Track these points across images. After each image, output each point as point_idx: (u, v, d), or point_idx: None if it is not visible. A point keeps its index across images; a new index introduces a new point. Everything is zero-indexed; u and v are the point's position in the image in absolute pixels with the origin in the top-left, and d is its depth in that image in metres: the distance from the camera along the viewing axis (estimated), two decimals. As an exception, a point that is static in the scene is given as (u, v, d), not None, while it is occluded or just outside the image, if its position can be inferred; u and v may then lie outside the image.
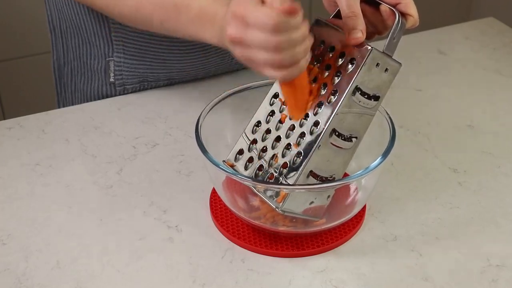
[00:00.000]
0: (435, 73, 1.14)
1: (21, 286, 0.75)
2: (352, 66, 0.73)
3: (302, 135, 0.75)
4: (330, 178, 0.76)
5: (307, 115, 0.75)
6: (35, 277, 0.76)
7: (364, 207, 0.83)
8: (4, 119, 1.11)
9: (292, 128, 0.76)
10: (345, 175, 0.81)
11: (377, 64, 0.73)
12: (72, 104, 1.13)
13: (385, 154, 0.76)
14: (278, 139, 0.77)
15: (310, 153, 0.73)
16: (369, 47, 0.73)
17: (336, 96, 0.73)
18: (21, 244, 0.81)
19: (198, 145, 0.77)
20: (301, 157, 0.74)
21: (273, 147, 0.77)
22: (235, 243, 0.80)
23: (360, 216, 0.83)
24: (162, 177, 0.90)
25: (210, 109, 0.83)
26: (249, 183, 0.76)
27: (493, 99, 1.07)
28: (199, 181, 0.90)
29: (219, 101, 0.84)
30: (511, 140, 0.98)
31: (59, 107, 1.17)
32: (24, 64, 1.82)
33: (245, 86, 0.86)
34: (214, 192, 0.87)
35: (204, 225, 0.83)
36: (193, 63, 1.05)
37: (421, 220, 0.84)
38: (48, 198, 0.87)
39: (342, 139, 0.75)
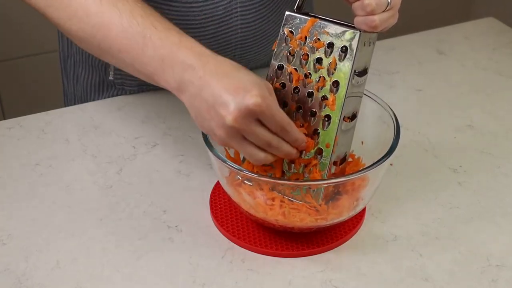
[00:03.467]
0: (435, 73, 1.14)
1: (21, 286, 0.75)
2: (346, 54, 0.74)
3: (315, 131, 0.77)
4: (343, 157, 0.79)
5: (314, 114, 0.76)
6: (35, 277, 0.76)
7: (364, 207, 0.83)
8: (4, 119, 1.11)
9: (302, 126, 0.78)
10: (352, 170, 0.81)
11: (365, 43, 0.75)
12: (75, 95, 1.14)
13: (392, 148, 0.77)
14: None
15: (331, 148, 0.76)
16: (357, 32, 0.73)
17: (339, 88, 0.75)
18: (21, 244, 0.81)
19: (204, 141, 0.77)
20: (323, 154, 0.76)
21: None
22: (235, 243, 0.80)
23: (360, 216, 0.83)
24: (162, 177, 0.90)
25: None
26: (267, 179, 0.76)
27: (493, 99, 1.07)
28: (199, 181, 0.90)
29: None
30: (511, 140, 0.98)
31: (64, 97, 1.17)
32: (24, 64, 1.82)
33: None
34: (214, 192, 0.87)
35: (204, 225, 0.83)
36: None
37: (421, 220, 0.84)
38: (48, 198, 0.87)
39: (349, 121, 0.77)
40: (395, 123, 0.80)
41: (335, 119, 0.75)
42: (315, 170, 0.77)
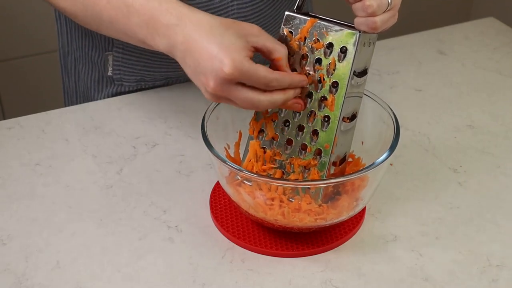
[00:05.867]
0: (435, 73, 1.14)
1: (21, 286, 0.75)
2: (345, 55, 0.74)
3: (315, 132, 0.77)
4: (343, 157, 0.79)
5: (313, 114, 0.76)
6: (35, 277, 0.76)
7: (364, 207, 0.83)
8: (4, 119, 1.11)
9: (302, 128, 0.77)
10: (352, 170, 0.81)
11: (364, 44, 0.75)
12: (76, 92, 1.14)
13: (392, 148, 0.77)
14: (290, 142, 0.79)
15: (330, 148, 0.76)
16: (356, 32, 0.73)
17: (338, 89, 0.75)
18: (21, 244, 0.81)
19: (204, 140, 0.77)
20: (322, 155, 0.76)
21: (287, 151, 0.79)
22: (235, 243, 0.80)
23: (360, 216, 0.83)
24: (162, 177, 0.90)
25: (216, 105, 0.83)
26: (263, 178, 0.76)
27: (493, 99, 1.07)
28: (199, 181, 0.90)
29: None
30: (511, 140, 0.98)
31: (64, 95, 1.17)
32: (24, 64, 1.82)
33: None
34: (214, 192, 0.87)
35: (204, 225, 0.83)
36: None
37: (421, 220, 0.84)
38: (48, 198, 0.87)
39: (348, 122, 0.77)
40: (395, 123, 0.80)
41: (334, 119, 0.75)
42: (314, 171, 0.77)
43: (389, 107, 0.82)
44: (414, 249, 0.80)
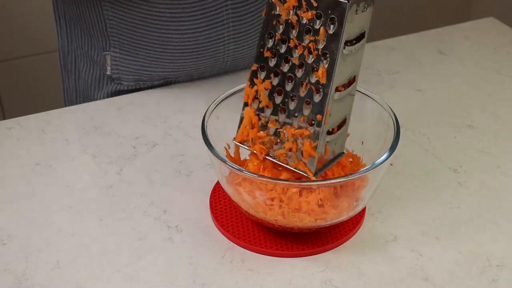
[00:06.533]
0: (435, 73, 1.14)
1: (21, 286, 0.75)
2: (334, 25, 0.72)
3: (308, 102, 0.75)
4: (342, 121, 0.78)
5: (304, 83, 0.75)
6: (35, 277, 0.76)
7: (364, 207, 0.83)
8: (4, 119, 1.11)
9: (294, 98, 0.76)
10: (353, 170, 0.81)
11: (356, 11, 0.72)
12: (76, 91, 1.14)
13: (392, 148, 0.77)
14: (283, 111, 0.77)
15: (323, 119, 0.74)
16: (345, 2, 0.71)
17: (329, 60, 0.73)
18: (21, 244, 0.81)
19: (205, 140, 0.77)
20: (315, 125, 0.75)
21: (281, 119, 0.77)
22: (235, 243, 0.80)
23: (360, 216, 0.83)
24: (162, 177, 0.90)
25: (217, 105, 0.83)
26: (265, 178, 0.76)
27: (493, 99, 1.07)
28: (199, 181, 0.90)
29: (224, 98, 0.84)
30: (511, 140, 0.98)
31: (64, 94, 1.17)
32: (24, 64, 1.82)
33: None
34: (214, 192, 0.87)
35: (204, 225, 0.83)
36: (186, 63, 1.05)
37: (421, 220, 0.84)
38: (48, 198, 0.87)
39: (344, 90, 0.75)
40: (395, 123, 0.80)
41: (326, 90, 0.73)
42: (307, 142, 0.76)
43: (390, 107, 0.82)
44: (414, 249, 0.80)
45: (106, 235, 0.82)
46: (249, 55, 1.07)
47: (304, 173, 0.76)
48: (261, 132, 0.78)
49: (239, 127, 0.80)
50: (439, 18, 1.96)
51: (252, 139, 0.79)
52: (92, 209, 0.85)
